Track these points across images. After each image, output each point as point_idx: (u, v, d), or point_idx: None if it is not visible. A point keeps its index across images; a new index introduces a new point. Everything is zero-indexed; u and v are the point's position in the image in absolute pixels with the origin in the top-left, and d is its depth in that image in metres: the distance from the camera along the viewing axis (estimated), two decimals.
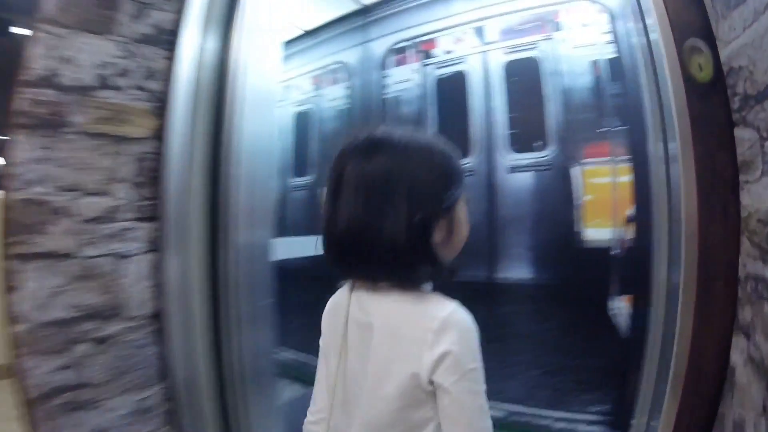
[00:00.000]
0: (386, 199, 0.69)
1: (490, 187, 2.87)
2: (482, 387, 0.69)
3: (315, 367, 0.87)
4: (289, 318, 3.92)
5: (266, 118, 1.48)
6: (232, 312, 1.37)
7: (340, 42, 3.65)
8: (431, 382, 0.68)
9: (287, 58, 4.12)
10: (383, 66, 3.34)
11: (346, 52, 3.60)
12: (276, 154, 1.52)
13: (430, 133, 0.84)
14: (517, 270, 2.72)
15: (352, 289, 0.79)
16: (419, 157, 0.72)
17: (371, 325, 0.74)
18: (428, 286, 0.77)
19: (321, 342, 0.86)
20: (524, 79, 2.83)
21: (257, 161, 1.43)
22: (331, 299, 0.85)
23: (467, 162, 2.97)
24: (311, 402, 0.88)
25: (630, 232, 2.27)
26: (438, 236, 0.72)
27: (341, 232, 0.72)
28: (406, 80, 3.24)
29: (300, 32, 3.96)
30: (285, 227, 3.97)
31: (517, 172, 2.82)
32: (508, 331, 2.60)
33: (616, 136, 2.51)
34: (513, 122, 2.88)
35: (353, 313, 0.77)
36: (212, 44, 1.44)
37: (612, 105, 2.56)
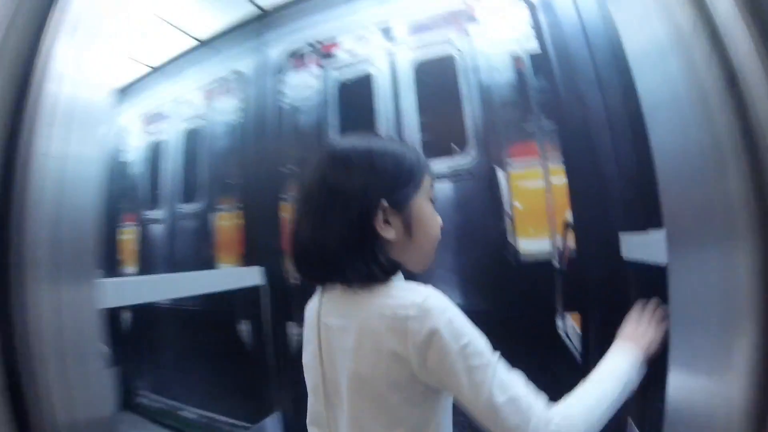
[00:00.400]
0: (321, 206, 0.75)
1: None
2: (485, 360, 0.66)
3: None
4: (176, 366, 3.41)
5: (87, 136, 1.21)
6: (41, 380, 1.03)
7: (236, 49, 3.28)
8: (425, 369, 0.67)
9: (178, 71, 3.72)
10: (280, 72, 2.93)
11: (242, 60, 3.22)
12: (101, 178, 1.22)
13: (388, 137, 0.85)
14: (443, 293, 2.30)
15: (322, 295, 0.82)
16: (356, 162, 0.75)
17: (345, 326, 0.74)
18: (398, 277, 0.77)
19: (303, 349, 0.86)
20: (438, 79, 2.50)
21: (73, 186, 1.15)
22: (307, 306, 0.87)
23: None
24: (308, 404, 0.87)
25: (571, 241, 2.10)
26: (391, 234, 0.75)
27: (294, 242, 0.78)
28: (304, 86, 2.82)
29: (194, 42, 3.57)
30: (174, 263, 3.41)
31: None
32: None
33: (545, 134, 2.24)
34: (426, 126, 2.50)
35: (325, 317, 0.79)
36: (19, 31, 1.10)
37: (538, 101, 2.30)
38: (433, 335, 0.65)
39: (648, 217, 2.11)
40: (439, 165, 2.40)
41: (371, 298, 0.72)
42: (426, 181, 0.81)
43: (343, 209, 0.73)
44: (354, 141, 0.80)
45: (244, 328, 2.81)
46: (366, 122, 2.55)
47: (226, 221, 3.04)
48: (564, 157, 2.13)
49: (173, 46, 3.66)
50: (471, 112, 2.39)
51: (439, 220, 0.83)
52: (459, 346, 0.66)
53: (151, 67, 4.02)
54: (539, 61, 2.33)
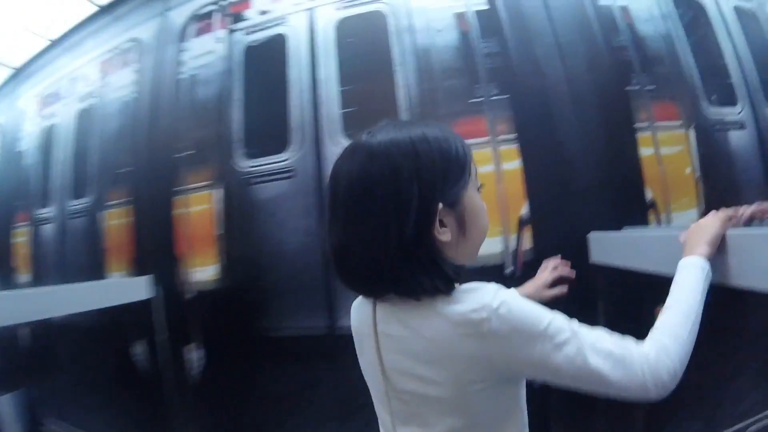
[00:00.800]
0: (368, 213, 0.68)
1: (319, 193, 1.95)
2: (569, 332, 0.66)
3: None
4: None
5: None
6: None
7: (138, 15, 2.81)
8: (514, 365, 0.68)
9: (78, 43, 3.21)
10: (182, 38, 2.43)
11: (143, 26, 2.73)
12: None
13: (425, 122, 0.75)
14: None
15: (374, 301, 0.78)
16: (401, 160, 0.69)
17: (410, 336, 0.71)
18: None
19: (359, 359, 0.85)
20: (364, 40, 2.04)
21: None
22: (354, 307, 0.85)
23: (283, 159, 2.06)
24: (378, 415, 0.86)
25: (527, 240, 1.86)
26: (447, 236, 0.71)
27: (333, 251, 0.73)
28: (207, 53, 2.33)
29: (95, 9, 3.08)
30: (64, 271, 2.86)
31: None
32: (368, 401, 1.81)
33: (496, 108, 1.85)
34: (348, 97, 2.03)
35: (383, 325, 0.75)
36: None
37: (487, 68, 1.90)
38: (514, 330, 0.65)
39: (621, 211, 1.84)
40: None
41: (435, 305, 0.69)
42: (472, 168, 0.76)
43: (394, 217, 0.67)
44: (390, 132, 0.72)
45: (139, 350, 2.31)
46: (276, 93, 2.07)
47: (117, 219, 2.52)
48: (519, 136, 1.86)
49: (74, 14, 3.14)
50: (404, 80, 1.94)
51: (485, 207, 0.78)
52: (541, 331, 0.65)
53: (51, 41, 3.49)
54: (487, 19, 1.97)
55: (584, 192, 1.82)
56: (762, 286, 0.84)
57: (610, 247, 1.56)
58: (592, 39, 1.99)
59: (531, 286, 1.22)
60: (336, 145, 1.90)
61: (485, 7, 1.98)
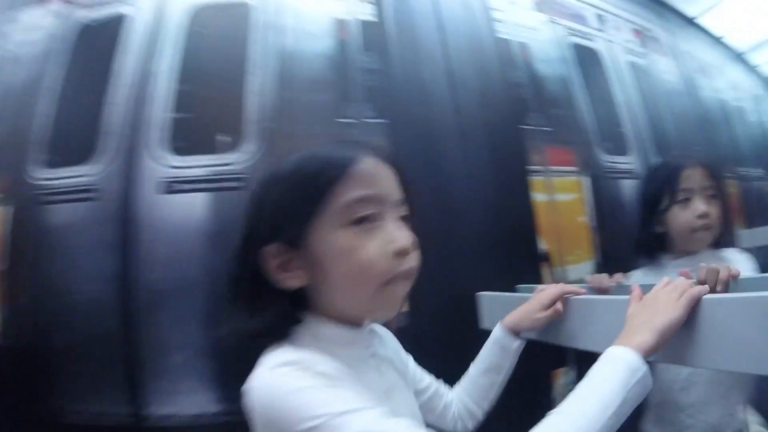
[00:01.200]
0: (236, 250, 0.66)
1: (126, 223, 1.42)
2: None
3: None
4: None
5: None
6: None
7: None
8: None
9: None
10: (13, 6, 1.90)
11: None
12: None
13: (326, 145, 0.69)
14: (187, 398, 1.32)
15: None
16: (255, 192, 0.66)
17: None
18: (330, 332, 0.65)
19: None
20: (219, 33, 1.64)
21: None
22: None
23: (86, 173, 1.50)
24: None
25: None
26: (293, 282, 0.62)
27: None
28: (35, 28, 1.78)
29: None
30: None
31: (181, 191, 1.44)
32: None
33: (369, 132, 1.54)
34: (182, 101, 1.55)
35: None
36: None
37: (363, 86, 1.60)
38: (268, 419, 0.53)
39: (514, 267, 1.61)
40: (193, 164, 1.46)
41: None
42: (341, 196, 0.61)
43: (236, 255, 0.65)
44: (285, 161, 0.66)
45: None
46: (95, 85, 1.57)
47: None
48: (394, 169, 1.47)
49: None
50: (260, 87, 1.54)
51: (387, 246, 0.62)
52: (305, 429, 0.49)
53: None
54: (372, 31, 1.69)
55: (471, 243, 1.57)
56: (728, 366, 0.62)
57: (503, 311, 1.29)
58: (487, 71, 1.82)
59: (522, 309, 1.00)
60: (156, 161, 1.44)
61: (372, 18, 1.70)
